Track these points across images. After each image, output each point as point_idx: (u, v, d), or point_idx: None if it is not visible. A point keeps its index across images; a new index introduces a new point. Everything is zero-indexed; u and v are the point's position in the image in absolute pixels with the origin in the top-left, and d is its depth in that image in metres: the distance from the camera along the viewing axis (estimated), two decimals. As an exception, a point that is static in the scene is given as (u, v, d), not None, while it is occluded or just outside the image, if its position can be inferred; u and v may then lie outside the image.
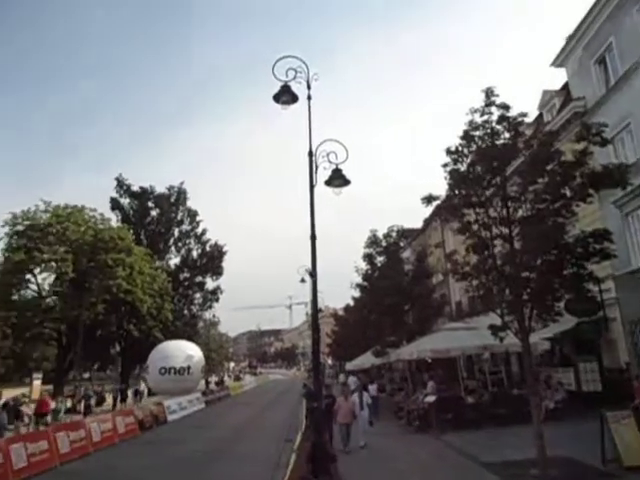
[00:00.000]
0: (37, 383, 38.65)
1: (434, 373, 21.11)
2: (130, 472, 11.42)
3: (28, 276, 37.98)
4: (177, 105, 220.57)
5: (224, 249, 55.46)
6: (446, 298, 29.76)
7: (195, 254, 54.81)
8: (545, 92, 20.83)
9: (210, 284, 54.75)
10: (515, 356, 19.80)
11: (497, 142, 10.44)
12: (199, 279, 54.28)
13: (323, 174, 9.76)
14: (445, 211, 11.86)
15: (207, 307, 54.68)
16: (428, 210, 20.20)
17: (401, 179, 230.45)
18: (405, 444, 13.13)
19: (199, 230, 55.30)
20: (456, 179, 10.77)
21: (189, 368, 30.55)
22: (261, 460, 11.96)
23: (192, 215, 55.23)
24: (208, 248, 54.80)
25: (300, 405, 22.50)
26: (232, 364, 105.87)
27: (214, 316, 54.71)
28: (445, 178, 11.17)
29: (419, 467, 10.14)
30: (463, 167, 10.84)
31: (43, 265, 37.12)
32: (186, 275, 53.84)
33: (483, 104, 10.46)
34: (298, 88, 9.58)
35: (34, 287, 38.72)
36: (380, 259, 25.18)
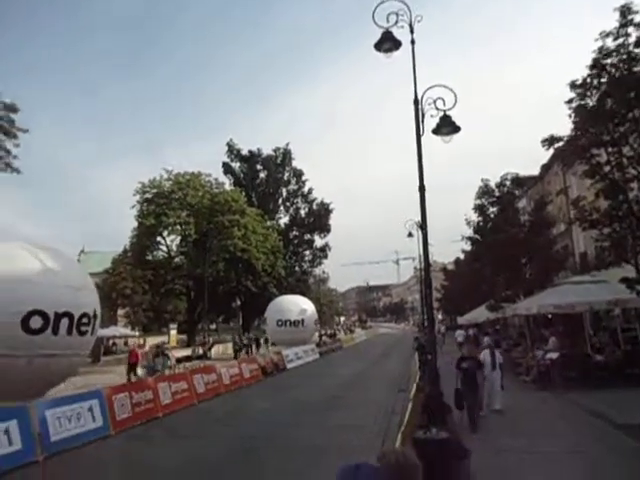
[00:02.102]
0: (173, 332, 43.83)
1: (555, 329, 19.85)
2: (256, 411, 12.57)
3: (158, 238, 42.47)
4: (268, 65, 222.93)
5: (330, 207, 56.57)
6: (569, 250, 27.42)
7: (303, 213, 56.66)
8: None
9: (318, 241, 56.57)
10: (653, 312, 17.79)
11: (635, 69, 9.04)
12: (308, 237, 56.27)
13: (430, 122, 9.30)
14: (569, 153, 10.74)
15: (317, 264, 56.82)
16: (546, 155, 18.40)
17: (514, 123, 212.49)
18: (526, 401, 12.63)
19: (305, 189, 56.90)
20: (583, 116, 9.63)
21: (303, 321, 32.28)
22: (376, 407, 12.40)
23: (298, 175, 56.77)
24: (315, 207, 56.24)
25: (412, 358, 22.72)
26: (342, 318, 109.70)
27: (323, 272, 56.73)
28: (569, 116, 10.04)
29: (545, 426, 9.62)
30: (592, 102, 9.62)
31: (170, 228, 41.21)
32: (295, 233, 56.07)
33: (617, 25, 9.06)
34: (400, 33, 9.09)
35: (164, 248, 43.27)
36: (493, 210, 23.78)
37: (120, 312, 49.21)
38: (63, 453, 8.72)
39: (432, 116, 9.28)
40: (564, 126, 10.93)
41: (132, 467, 7.93)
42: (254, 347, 31.79)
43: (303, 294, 43.10)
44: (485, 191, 23.71)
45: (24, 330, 10.29)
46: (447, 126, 9.16)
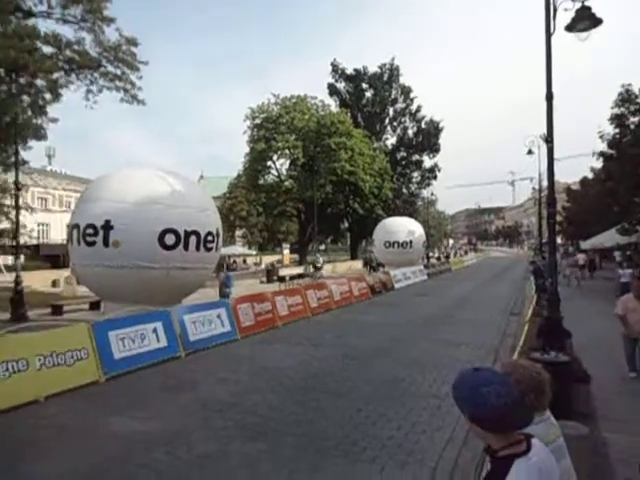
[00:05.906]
0: (286, 252, 46.62)
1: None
2: (365, 325, 13.16)
3: (269, 163, 44.05)
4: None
5: (440, 125, 53.46)
6: None
7: (411, 133, 54.34)
8: None
9: (427, 162, 54.39)
10: None
11: None
12: (416, 157, 54.29)
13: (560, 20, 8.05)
14: None
15: (425, 185, 54.99)
16: None
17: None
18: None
19: (413, 107, 54.04)
20: None
21: (411, 242, 32.13)
22: (487, 328, 12.30)
23: (406, 92, 53.84)
24: (424, 125, 53.53)
25: (526, 282, 21.77)
26: (451, 241, 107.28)
27: (432, 194, 54.62)
28: None
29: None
30: None
31: (279, 152, 42.33)
32: (403, 154, 54.36)
33: None
34: None
35: (274, 172, 44.89)
36: (634, 120, 20.67)
37: (238, 233, 53.21)
38: (200, 351, 10.08)
39: (566, 10, 8.03)
40: None
41: (256, 364, 8.95)
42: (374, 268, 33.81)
43: (411, 216, 42.49)
44: (626, 98, 20.55)
45: (161, 246, 11.64)
46: (584, 20, 7.87)
